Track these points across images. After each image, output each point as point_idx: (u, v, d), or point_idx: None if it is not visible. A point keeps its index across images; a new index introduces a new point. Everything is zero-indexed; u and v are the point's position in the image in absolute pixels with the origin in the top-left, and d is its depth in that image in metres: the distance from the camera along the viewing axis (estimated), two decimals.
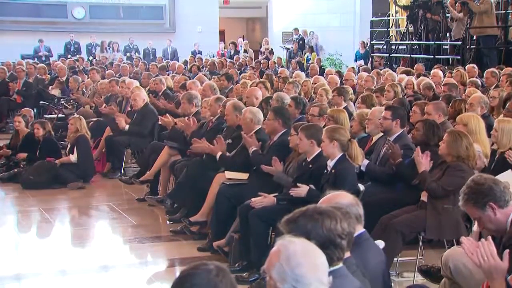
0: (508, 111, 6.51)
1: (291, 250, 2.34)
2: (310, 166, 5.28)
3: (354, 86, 10.35)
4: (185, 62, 17.54)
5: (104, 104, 10.16)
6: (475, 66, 10.92)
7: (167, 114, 8.54)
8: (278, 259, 2.33)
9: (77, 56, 19.67)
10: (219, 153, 6.42)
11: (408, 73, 10.92)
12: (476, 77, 10.10)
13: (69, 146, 8.79)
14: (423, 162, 5.07)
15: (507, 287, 3.13)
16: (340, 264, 2.73)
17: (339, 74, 12.35)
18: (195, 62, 16.87)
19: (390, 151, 5.52)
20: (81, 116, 9.12)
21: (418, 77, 10.28)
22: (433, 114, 6.35)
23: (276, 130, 6.10)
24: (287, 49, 21.25)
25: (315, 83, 9.84)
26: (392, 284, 4.38)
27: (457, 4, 13.74)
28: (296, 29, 21.53)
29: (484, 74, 9.93)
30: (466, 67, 10.99)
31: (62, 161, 8.61)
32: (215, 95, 8.30)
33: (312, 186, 5.05)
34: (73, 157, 8.55)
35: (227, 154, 6.47)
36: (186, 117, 7.83)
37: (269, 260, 2.37)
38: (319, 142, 5.24)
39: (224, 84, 10.86)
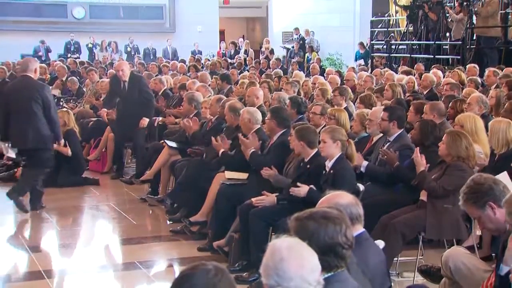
0: (505, 112, 6.50)
1: (277, 246, 2.35)
2: (308, 166, 5.28)
3: (355, 86, 10.33)
4: (183, 61, 17.41)
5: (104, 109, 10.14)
6: (476, 66, 10.90)
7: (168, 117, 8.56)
8: (266, 255, 2.35)
9: (78, 55, 19.65)
10: (221, 150, 6.42)
11: (408, 73, 10.89)
12: (477, 77, 10.08)
13: None
14: (422, 162, 5.08)
15: (508, 285, 3.14)
16: (343, 269, 2.71)
17: (339, 74, 12.35)
18: (194, 62, 16.80)
19: (385, 157, 5.52)
20: (69, 110, 9.02)
21: (420, 76, 10.25)
22: (429, 114, 6.35)
23: (274, 130, 6.10)
24: (288, 49, 21.22)
25: (315, 83, 9.83)
26: (392, 284, 4.38)
27: (456, 4, 13.73)
28: (296, 29, 21.51)
29: (486, 72, 9.91)
30: (467, 67, 10.97)
31: (59, 149, 8.07)
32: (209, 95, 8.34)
33: (312, 186, 5.04)
34: (69, 150, 8.30)
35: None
36: (188, 118, 7.84)
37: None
38: (310, 144, 5.24)
39: (222, 85, 10.84)
